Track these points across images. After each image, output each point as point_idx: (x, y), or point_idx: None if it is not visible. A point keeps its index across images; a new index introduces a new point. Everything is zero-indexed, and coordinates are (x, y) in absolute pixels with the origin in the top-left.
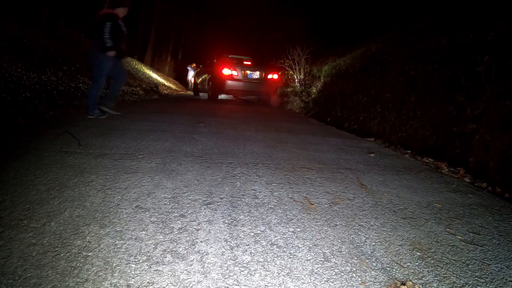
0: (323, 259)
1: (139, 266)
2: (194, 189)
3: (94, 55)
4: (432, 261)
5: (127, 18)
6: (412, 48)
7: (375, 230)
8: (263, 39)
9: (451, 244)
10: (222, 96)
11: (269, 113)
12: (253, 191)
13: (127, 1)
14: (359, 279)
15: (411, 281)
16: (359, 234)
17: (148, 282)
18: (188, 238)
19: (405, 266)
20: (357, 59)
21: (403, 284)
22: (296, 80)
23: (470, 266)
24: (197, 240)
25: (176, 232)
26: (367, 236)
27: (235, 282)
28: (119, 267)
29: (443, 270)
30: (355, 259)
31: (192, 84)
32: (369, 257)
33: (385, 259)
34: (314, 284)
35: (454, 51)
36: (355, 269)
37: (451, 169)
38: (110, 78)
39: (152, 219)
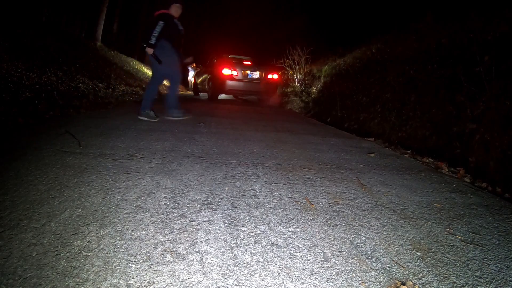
0: (323, 259)
1: (139, 266)
2: (194, 189)
3: (151, 58)
4: (432, 261)
5: (127, 18)
6: (412, 48)
7: (375, 230)
8: (263, 39)
9: (451, 244)
10: (222, 96)
11: (269, 113)
12: (253, 191)
13: None
14: (359, 279)
15: (411, 281)
16: (359, 234)
17: (148, 282)
18: (188, 238)
19: (405, 266)
20: (357, 59)
21: (403, 284)
22: (296, 80)
23: (470, 266)
24: (197, 240)
25: (176, 232)
26: (367, 236)
27: (235, 282)
28: (119, 267)
29: (443, 270)
30: (355, 259)
31: (192, 84)
32: (369, 257)
33: (385, 259)
34: (314, 284)
35: (454, 51)
36: (355, 269)
37: (451, 169)
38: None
39: (152, 219)
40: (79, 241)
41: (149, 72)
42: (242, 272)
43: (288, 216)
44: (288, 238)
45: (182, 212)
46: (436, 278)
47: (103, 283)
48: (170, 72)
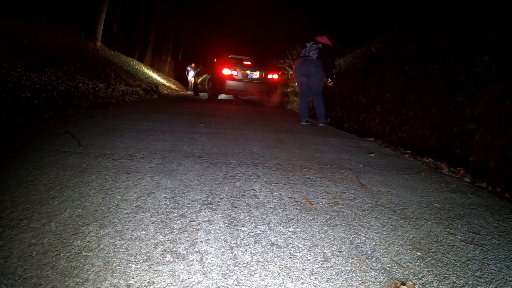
0: (323, 259)
1: (139, 266)
2: (194, 189)
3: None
4: (432, 261)
5: (127, 18)
6: (412, 48)
7: (375, 230)
8: (263, 39)
9: (451, 244)
10: (222, 96)
11: (269, 113)
12: (253, 191)
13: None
14: (359, 279)
15: (411, 281)
16: (359, 234)
17: (148, 282)
18: (188, 238)
19: (405, 266)
20: (357, 59)
21: (403, 284)
22: None
23: (470, 266)
24: (197, 240)
25: (176, 232)
26: (367, 236)
27: (235, 282)
28: (119, 267)
29: (443, 270)
30: (355, 259)
31: (192, 84)
32: (369, 257)
33: (385, 259)
34: (314, 284)
35: (454, 51)
36: (355, 269)
37: (451, 169)
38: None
39: (152, 219)
40: (79, 241)
41: (149, 72)
42: (242, 272)
43: (288, 216)
44: (288, 238)
45: (182, 212)
46: (436, 278)
47: (103, 283)
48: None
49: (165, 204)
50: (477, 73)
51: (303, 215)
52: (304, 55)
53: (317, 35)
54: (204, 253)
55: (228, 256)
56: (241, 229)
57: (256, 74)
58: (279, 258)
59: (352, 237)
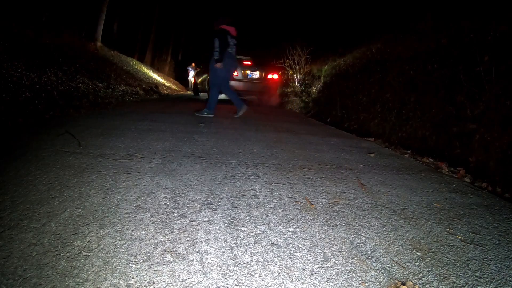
0: (323, 259)
1: (139, 266)
2: (194, 189)
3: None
4: (432, 261)
5: (127, 18)
6: (412, 48)
7: (375, 230)
8: (263, 39)
9: (451, 244)
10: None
11: (269, 113)
12: (253, 191)
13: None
14: (359, 279)
15: (411, 281)
16: (359, 234)
17: (148, 282)
18: (188, 238)
19: (405, 266)
20: (357, 59)
21: (403, 284)
22: (296, 80)
23: (470, 266)
24: (197, 240)
25: (176, 232)
26: (367, 236)
27: (235, 282)
28: (119, 267)
29: (443, 270)
30: (355, 259)
31: (192, 84)
32: (369, 257)
33: (385, 259)
34: (314, 284)
35: (454, 51)
36: (355, 269)
37: (451, 169)
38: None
39: (152, 219)
40: (79, 241)
41: (149, 72)
42: (242, 272)
43: (288, 216)
44: (288, 238)
45: (182, 212)
46: (436, 278)
47: (103, 283)
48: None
49: (165, 204)
50: (477, 73)
51: (303, 215)
52: (231, 53)
53: (219, 24)
54: (204, 253)
55: (228, 256)
56: (241, 229)
57: (256, 74)
58: (279, 258)
59: (352, 237)
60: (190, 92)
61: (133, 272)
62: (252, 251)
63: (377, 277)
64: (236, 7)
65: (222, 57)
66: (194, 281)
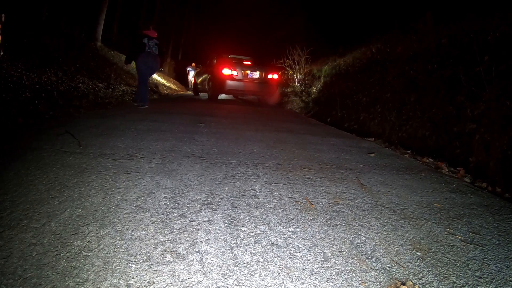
0: (323, 259)
1: (139, 266)
2: (194, 189)
3: None
4: (432, 261)
5: (127, 18)
6: (412, 48)
7: (375, 230)
8: (263, 39)
9: (451, 244)
10: (222, 96)
11: (269, 113)
12: (253, 191)
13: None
14: (359, 279)
15: (411, 281)
16: (359, 234)
17: (148, 282)
18: (188, 238)
19: (405, 266)
20: (357, 59)
21: (403, 284)
22: (296, 80)
23: (470, 266)
24: (197, 240)
25: (176, 232)
26: (367, 236)
27: (235, 282)
28: (119, 267)
29: (443, 270)
30: (355, 259)
31: (192, 84)
32: (369, 257)
33: (385, 259)
34: (314, 284)
35: (454, 51)
36: (355, 269)
37: (451, 169)
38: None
39: (152, 219)
40: (79, 241)
41: None
42: (242, 272)
43: (288, 216)
44: (288, 238)
45: (182, 212)
46: (436, 278)
47: (103, 283)
48: None
49: (165, 204)
50: (477, 73)
51: (303, 215)
52: (148, 51)
53: (145, 30)
54: (204, 253)
55: (228, 256)
56: (241, 229)
57: (256, 74)
58: (279, 258)
59: (352, 237)
60: (190, 92)
61: (133, 272)
62: (252, 251)
63: (377, 277)
64: (236, 7)
65: (135, 56)
66: (194, 281)
